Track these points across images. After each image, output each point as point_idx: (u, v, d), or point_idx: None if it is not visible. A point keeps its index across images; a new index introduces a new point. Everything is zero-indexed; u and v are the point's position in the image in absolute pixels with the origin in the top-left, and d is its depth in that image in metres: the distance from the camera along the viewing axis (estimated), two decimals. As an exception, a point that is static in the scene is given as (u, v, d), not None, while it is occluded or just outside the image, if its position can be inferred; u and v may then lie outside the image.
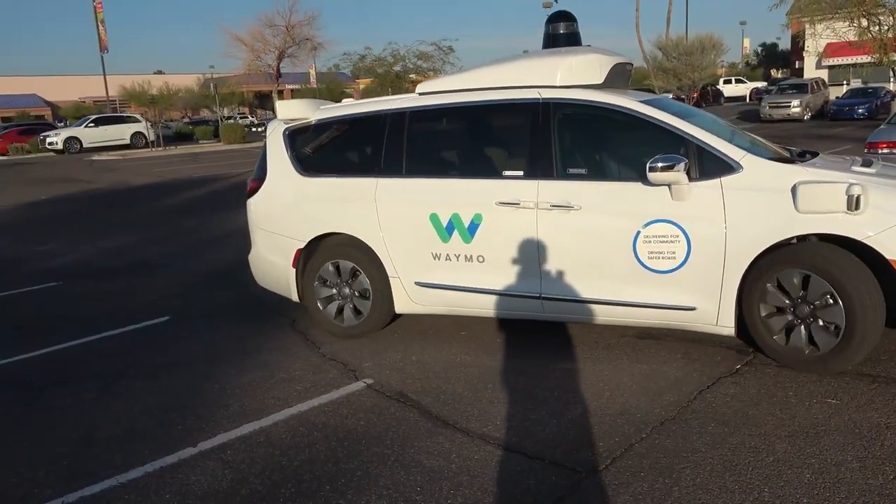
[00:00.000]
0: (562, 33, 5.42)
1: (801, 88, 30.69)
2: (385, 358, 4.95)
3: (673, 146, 4.35)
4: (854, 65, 33.76)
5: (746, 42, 72.79)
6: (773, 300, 4.20)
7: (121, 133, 35.76)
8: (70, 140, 34.23)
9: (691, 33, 39.72)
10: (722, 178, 4.23)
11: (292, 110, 5.58)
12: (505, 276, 4.83)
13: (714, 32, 45.98)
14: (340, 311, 5.41)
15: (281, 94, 43.43)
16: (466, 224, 4.86)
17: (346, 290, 5.37)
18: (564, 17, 5.47)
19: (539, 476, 3.25)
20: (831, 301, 3.98)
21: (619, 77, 5.19)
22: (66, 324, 6.22)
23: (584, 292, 4.61)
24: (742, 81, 52.37)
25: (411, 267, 5.11)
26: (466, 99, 5.06)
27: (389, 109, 5.30)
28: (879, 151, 9.30)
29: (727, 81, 51.61)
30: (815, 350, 4.11)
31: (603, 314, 4.63)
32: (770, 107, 29.61)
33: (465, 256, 4.93)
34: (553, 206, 4.58)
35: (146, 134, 36.15)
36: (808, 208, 3.97)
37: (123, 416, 4.20)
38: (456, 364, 4.75)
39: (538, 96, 4.77)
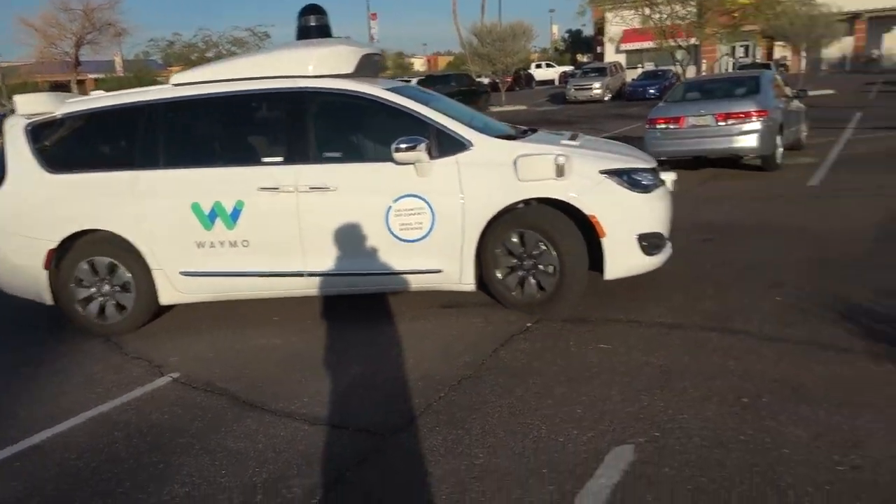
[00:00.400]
0: (313, 25, 5.71)
1: (601, 72, 33.29)
2: (192, 350, 4.88)
3: (416, 129, 4.79)
4: (646, 50, 36.89)
5: (555, 29, 77.11)
6: (505, 262, 4.91)
7: None
8: None
9: (504, 20, 41.42)
10: (457, 156, 4.80)
11: (34, 105, 5.32)
12: (269, 257, 5.03)
13: (525, 19, 48.07)
14: (102, 309, 5.24)
15: (82, 84, 39.29)
16: (229, 211, 4.96)
17: (106, 287, 5.22)
18: (314, 10, 5.76)
19: (344, 443, 3.41)
20: (544, 248, 4.77)
21: (369, 67, 5.56)
22: None
23: (345, 266, 4.95)
24: (551, 66, 55.48)
25: (175, 257, 5.10)
26: (224, 89, 5.15)
27: (143, 101, 5.27)
28: (657, 126, 10.35)
29: (538, 66, 54.48)
30: (544, 293, 4.84)
31: (364, 284, 5.04)
32: (575, 89, 31.93)
33: (230, 242, 5.03)
34: (311, 188, 4.86)
35: None
36: (526, 177, 4.70)
37: None
38: (266, 348, 4.80)
39: (293, 86, 5.03)
